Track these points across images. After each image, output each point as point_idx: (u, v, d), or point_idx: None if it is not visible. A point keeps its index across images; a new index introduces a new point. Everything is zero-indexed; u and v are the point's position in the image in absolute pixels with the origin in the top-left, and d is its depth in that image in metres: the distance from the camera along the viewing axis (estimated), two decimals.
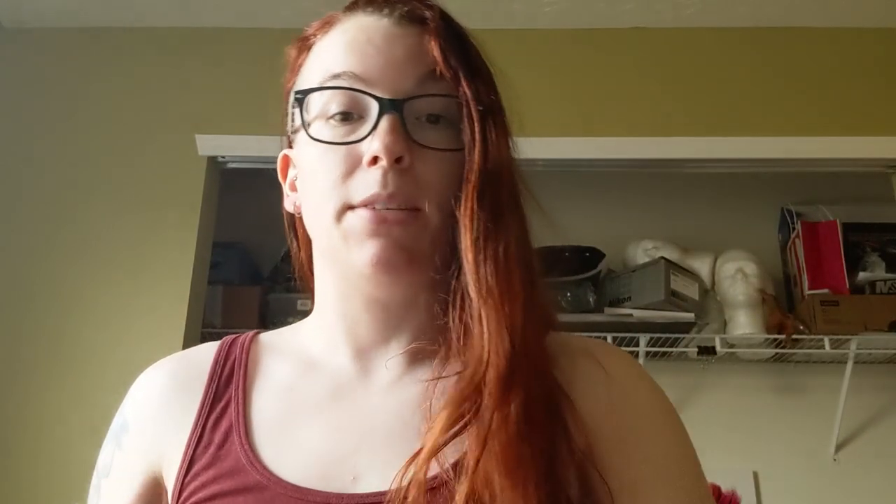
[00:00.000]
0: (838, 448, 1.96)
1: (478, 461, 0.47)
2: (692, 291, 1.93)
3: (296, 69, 0.62)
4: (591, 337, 0.65)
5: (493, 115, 0.56)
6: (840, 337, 1.86)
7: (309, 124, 0.57)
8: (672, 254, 2.00)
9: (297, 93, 0.58)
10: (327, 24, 0.61)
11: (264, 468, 0.54)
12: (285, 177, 0.64)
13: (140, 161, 2.00)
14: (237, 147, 1.96)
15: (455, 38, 0.57)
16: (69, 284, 1.87)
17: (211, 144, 1.98)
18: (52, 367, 1.80)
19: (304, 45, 0.62)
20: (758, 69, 2.07)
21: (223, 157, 2.01)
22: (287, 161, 0.64)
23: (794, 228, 2.08)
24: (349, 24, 0.59)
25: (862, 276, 1.99)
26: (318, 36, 0.61)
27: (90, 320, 1.84)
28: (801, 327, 1.90)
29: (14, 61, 2.11)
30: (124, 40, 2.12)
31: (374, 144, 0.53)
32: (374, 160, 0.53)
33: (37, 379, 1.79)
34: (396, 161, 0.53)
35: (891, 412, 2.00)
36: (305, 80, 0.60)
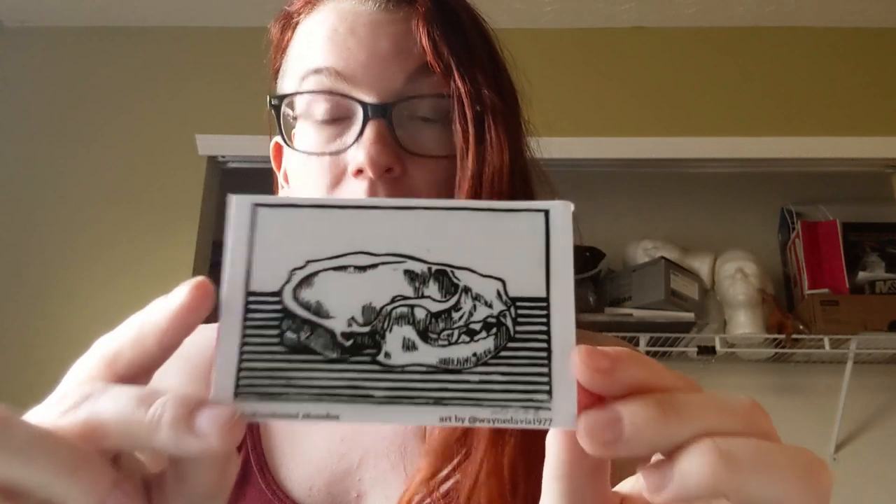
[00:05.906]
0: (838, 448, 1.96)
1: (469, 495, 0.45)
2: (692, 291, 1.93)
3: (282, 48, 0.58)
4: (607, 335, 0.62)
5: (494, 114, 0.50)
6: (840, 337, 1.86)
7: (295, 119, 0.54)
8: (672, 254, 2.00)
9: (274, 98, 0.54)
10: (310, 3, 0.56)
11: (274, 481, 0.52)
12: (279, 165, 0.60)
13: (140, 161, 2.00)
14: (237, 147, 1.96)
15: (449, 23, 0.51)
16: (67, 282, 1.87)
17: (211, 144, 1.98)
18: (53, 368, 1.79)
19: (289, 23, 0.58)
20: (758, 69, 2.07)
21: (223, 157, 2.01)
22: (279, 148, 0.60)
23: (794, 228, 2.08)
24: (332, 6, 0.54)
25: (862, 275, 1.99)
26: (303, 14, 0.56)
27: (90, 321, 1.83)
28: (801, 327, 1.90)
29: (15, 60, 2.11)
30: (124, 40, 2.12)
31: (359, 156, 0.48)
32: (360, 171, 0.49)
33: (43, 376, 1.79)
34: (386, 171, 0.48)
35: (891, 412, 2.00)
36: (291, 66, 0.56)
